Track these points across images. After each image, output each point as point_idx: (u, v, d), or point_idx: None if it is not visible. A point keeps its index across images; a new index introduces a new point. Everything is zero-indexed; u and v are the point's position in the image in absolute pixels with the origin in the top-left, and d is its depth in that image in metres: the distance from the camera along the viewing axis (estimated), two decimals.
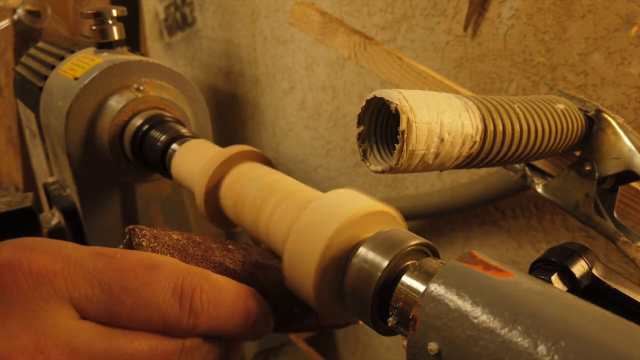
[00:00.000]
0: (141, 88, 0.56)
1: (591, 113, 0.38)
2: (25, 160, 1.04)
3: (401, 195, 0.79)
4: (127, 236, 0.31)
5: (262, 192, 0.36)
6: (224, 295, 0.27)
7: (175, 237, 0.32)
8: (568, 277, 0.28)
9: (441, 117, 0.27)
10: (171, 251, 0.31)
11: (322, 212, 0.29)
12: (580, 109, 0.38)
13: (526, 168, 0.43)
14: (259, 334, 0.30)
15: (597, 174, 0.38)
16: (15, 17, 1.01)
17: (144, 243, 0.30)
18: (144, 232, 0.31)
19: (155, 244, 0.31)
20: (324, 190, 0.33)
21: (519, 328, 0.20)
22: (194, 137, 0.52)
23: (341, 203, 0.30)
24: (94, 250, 0.25)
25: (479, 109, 0.30)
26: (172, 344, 0.25)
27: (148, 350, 0.24)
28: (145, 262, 0.25)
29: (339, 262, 0.29)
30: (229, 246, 0.34)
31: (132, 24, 1.19)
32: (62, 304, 0.23)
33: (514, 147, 0.31)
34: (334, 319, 0.31)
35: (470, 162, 0.30)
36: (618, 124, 0.37)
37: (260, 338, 0.30)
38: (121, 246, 0.32)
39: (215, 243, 0.33)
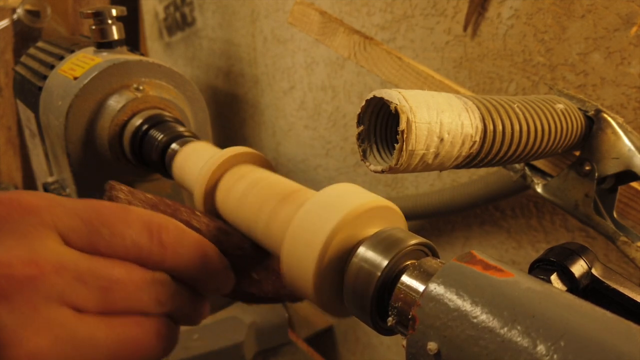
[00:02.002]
0: (141, 88, 0.56)
1: (591, 113, 0.38)
2: (25, 160, 1.04)
3: (401, 195, 0.79)
4: (107, 192, 0.35)
5: (260, 194, 0.36)
6: (186, 237, 0.30)
7: (149, 196, 0.36)
8: (567, 277, 0.28)
9: (441, 117, 0.27)
10: (144, 205, 0.34)
11: (319, 210, 0.29)
12: (579, 108, 0.38)
13: (526, 168, 0.43)
14: (220, 287, 0.33)
15: (596, 174, 0.38)
16: (15, 16, 1.01)
17: (120, 195, 0.34)
18: (121, 187, 0.35)
19: (131, 197, 0.34)
20: None
21: (519, 328, 0.20)
22: (194, 137, 0.52)
23: (338, 199, 0.29)
24: (75, 199, 0.29)
25: (479, 108, 0.30)
26: (144, 273, 0.28)
27: (125, 273, 0.27)
28: (119, 205, 0.29)
29: (338, 261, 0.28)
30: (197, 212, 0.37)
31: (131, 23, 1.19)
32: (49, 231, 0.26)
33: (513, 147, 0.31)
34: (335, 317, 0.31)
35: (470, 162, 0.30)
36: (618, 123, 0.37)
37: (222, 293, 0.33)
38: None
39: (184, 207, 0.37)
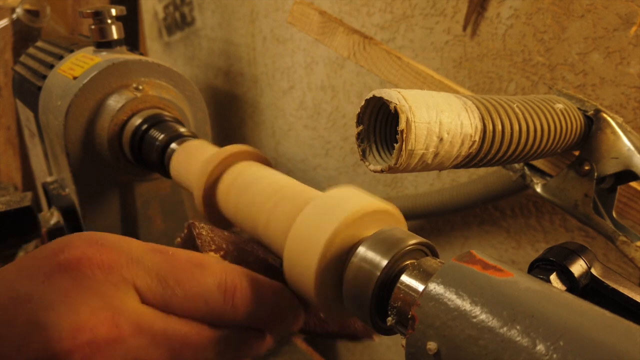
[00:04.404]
0: (140, 87, 0.56)
1: (590, 113, 0.38)
2: (24, 160, 1.04)
3: (400, 194, 0.79)
4: (186, 230, 0.35)
5: (261, 192, 0.36)
6: (260, 292, 0.30)
7: (227, 234, 0.36)
8: (567, 277, 0.28)
9: (440, 117, 0.27)
10: (225, 242, 0.34)
11: (321, 211, 0.29)
12: (579, 108, 0.38)
13: (525, 168, 0.43)
14: (288, 327, 0.33)
15: (596, 174, 0.38)
16: (14, 16, 1.00)
17: (203, 233, 0.34)
18: (202, 224, 0.35)
19: (213, 234, 0.34)
20: (323, 190, 0.33)
21: (518, 327, 0.20)
22: (193, 136, 0.52)
23: (341, 202, 0.29)
24: (151, 246, 0.29)
25: (478, 108, 0.30)
26: (215, 332, 0.29)
27: (195, 334, 0.28)
28: (194, 260, 0.29)
29: (338, 262, 0.28)
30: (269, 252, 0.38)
31: (131, 23, 1.19)
32: (129, 289, 0.27)
33: (513, 147, 0.31)
34: (336, 318, 0.31)
35: (469, 161, 0.30)
36: (617, 123, 0.37)
37: (291, 331, 0.33)
38: (178, 239, 0.36)
39: (258, 244, 0.37)
